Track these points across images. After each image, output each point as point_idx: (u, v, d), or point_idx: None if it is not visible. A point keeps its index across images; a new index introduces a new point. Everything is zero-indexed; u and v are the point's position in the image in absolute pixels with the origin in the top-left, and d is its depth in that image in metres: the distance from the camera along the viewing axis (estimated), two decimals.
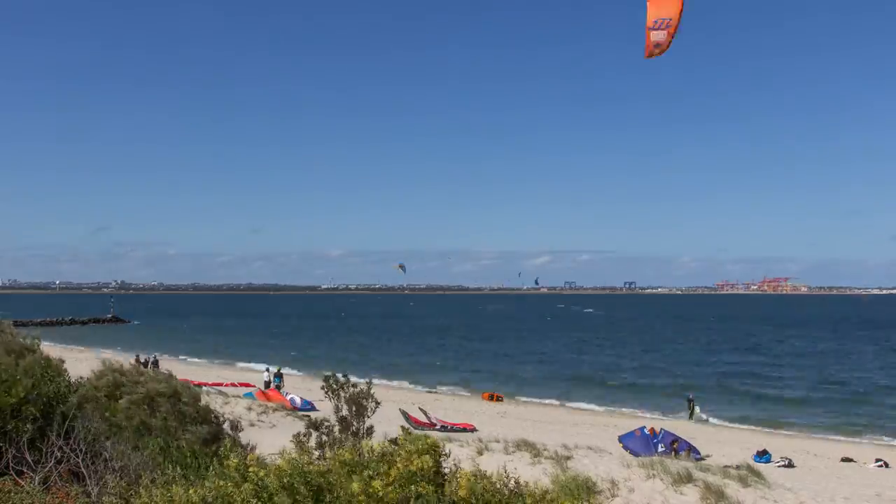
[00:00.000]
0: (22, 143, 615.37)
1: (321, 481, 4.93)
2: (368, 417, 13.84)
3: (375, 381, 15.57)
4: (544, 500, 4.71)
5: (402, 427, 9.64)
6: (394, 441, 5.62)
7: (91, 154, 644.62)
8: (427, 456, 4.89)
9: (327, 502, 4.84)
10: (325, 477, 4.98)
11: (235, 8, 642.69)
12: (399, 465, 4.76)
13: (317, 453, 8.82)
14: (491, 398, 40.99)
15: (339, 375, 14.50)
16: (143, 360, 39.05)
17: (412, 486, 4.61)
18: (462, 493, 4.65)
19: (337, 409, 13.77)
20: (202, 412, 10.78)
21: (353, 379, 14.66)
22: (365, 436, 13.02)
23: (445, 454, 5.19)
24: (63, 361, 13.20)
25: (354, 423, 13.52)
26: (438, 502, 4.59)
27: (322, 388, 14.49)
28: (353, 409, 13.65)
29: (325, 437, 11.87)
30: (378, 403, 14.11)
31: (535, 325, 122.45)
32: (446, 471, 5.02)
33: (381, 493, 4.57)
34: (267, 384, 37.07)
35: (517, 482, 4.83)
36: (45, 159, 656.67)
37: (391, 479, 4.64)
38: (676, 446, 23.20)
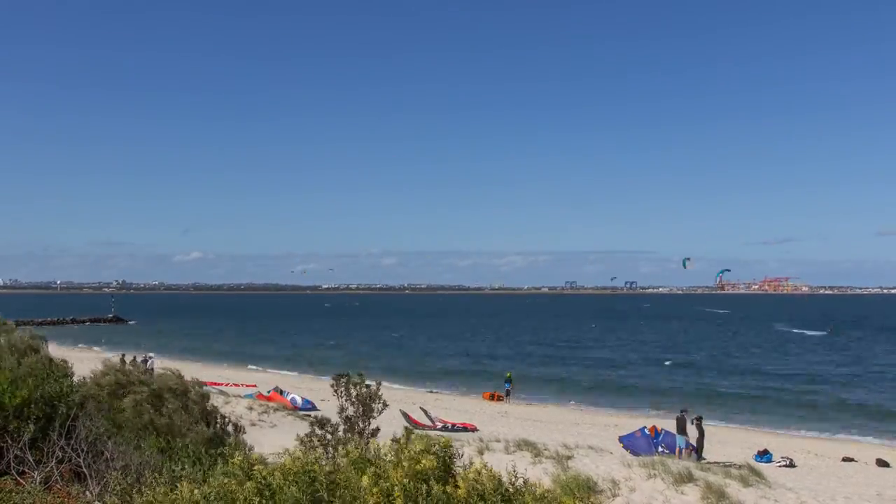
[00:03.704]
0: (23, 144, 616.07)
1: (328, 479, 4.93)
2: (374, 418, 13.83)
3: (376, 380, 15.54)
4: (544, 500, 4.69)
5: (406, 428, 9.63)
6: (396, 440, 5.63)
7: (93, 154, 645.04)
8: (432, 456, 4.89)
9: (337, 497, 4.83)
10: (332, 475, 4.98)
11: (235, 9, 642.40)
12: (405, 463, 4.76)
13: (321, 451, 8.82)
14: (492, 398, 40.95)
15: (354, 375, 14.49)
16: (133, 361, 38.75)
17: (423, 485, 4.61)
18: (461, 493, 4.65)
19: (342, 409, 13.75)
20: (207, 413, 10.78)
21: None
22: (370, 436, 13.01)
23: (460, 454, 5.21)
24: (66, 362, 13.24)
25: (360, 423, 13.50)
26: (447, 500, 4.59)
27: (331, 385, 14.45)
28: (360, 409, 13.63)
29: (329, 437, 11.87)
30: (386, 405, 14.11)
31: (538, 323, 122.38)
32: (459, 470, 5.01)
33: (395, 488, 4.56)
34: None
35: (525, 482, 4.83)
36: (46, 160, 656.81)
37: (399, 477, 4.64)
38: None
